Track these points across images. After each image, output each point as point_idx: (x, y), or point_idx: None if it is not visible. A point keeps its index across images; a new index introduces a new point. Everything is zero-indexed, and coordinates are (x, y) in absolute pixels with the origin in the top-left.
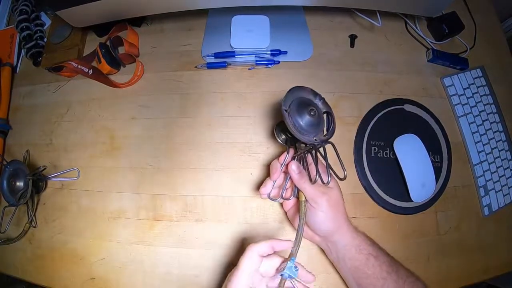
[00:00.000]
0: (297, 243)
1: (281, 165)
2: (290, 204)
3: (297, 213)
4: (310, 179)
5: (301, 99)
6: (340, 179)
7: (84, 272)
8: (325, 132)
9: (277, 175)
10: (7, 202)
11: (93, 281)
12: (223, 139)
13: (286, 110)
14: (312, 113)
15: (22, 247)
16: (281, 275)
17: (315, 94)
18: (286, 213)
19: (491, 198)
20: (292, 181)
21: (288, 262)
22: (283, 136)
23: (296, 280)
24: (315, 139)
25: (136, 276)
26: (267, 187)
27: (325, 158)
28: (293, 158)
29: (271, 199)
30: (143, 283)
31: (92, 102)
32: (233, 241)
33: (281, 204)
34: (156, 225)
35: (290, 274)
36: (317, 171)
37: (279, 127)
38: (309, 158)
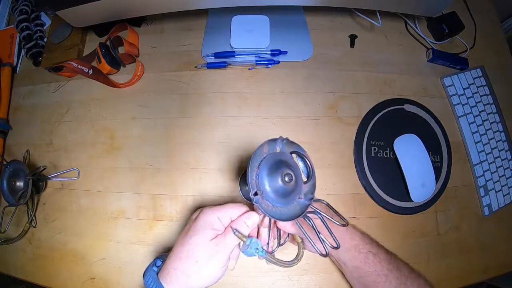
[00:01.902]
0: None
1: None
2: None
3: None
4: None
5: (267, 163)
6: (342, 223)
7: (84, 272)
8: (304, 179)
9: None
10: (7, 202)
11: (93, 281)
12: (223, 139)
13: (256, 194)
14: (287, 179)
15: (22, 247)
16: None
17: (274, 140)
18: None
19: (491, 198)
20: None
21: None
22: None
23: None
24: (300, 198)
25: (136, 276)
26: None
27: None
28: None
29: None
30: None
31: (92, 102)
32: None
33: None
34: (156, 225)
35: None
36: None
37: (244, 181)
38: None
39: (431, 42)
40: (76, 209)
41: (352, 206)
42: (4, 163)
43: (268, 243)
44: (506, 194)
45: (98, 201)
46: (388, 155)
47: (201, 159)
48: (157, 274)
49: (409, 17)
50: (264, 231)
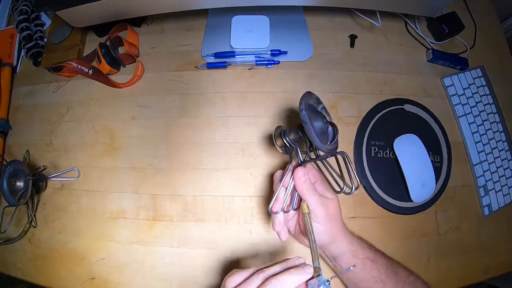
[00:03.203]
0: (315, 256)
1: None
2: (280, 225)
3: (302, 233)
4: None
5: (310, 106)
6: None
7: (84, 272)
8: (329, 142)
9: (288, 181)
10: (7, 202)
11: (93, 281)
12: (223, 139)
13: (306, 114)
14: (324, 120)
15: (22, 247)
16: None
17: (319, 102)
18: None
19: (491, 198)
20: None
21: (320, 278)
22: (282, 141)
23: None
24: (328, 148)
25: (136, 276)
26: (280, 201)
27: (345, 166)
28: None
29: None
30: (143, 283)
31: (92, 102)
32: (233, 241)
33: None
34: (156, 225)
35: None
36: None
37: (279, 133)
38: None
39: (431, 42)
40: (76, 209)
41: (352, 206)
42: (4, 163)
43: (284, 202)
44: (506, 194)
45: (98, 201)
46: (388, 155)
47: (201, 159)
48: None
49: (409, 17)
50: (282, 191)
